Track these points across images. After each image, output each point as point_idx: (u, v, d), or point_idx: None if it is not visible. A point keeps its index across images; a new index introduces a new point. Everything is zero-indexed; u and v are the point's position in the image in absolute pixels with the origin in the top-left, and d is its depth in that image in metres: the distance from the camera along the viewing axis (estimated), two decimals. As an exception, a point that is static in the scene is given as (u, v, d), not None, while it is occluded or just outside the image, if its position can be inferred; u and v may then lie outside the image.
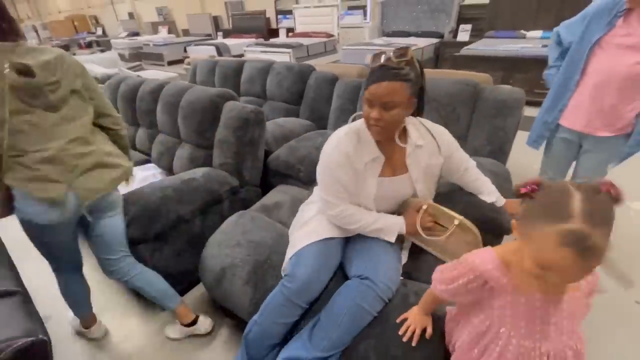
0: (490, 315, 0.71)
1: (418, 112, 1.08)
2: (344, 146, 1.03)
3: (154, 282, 1.32)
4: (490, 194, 1.22)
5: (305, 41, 6.44)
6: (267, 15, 8.76)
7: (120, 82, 2.28)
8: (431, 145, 1.10)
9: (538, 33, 5.03)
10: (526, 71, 4.18)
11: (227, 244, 1.27)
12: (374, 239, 1.12)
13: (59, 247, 1.16)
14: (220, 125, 1.71)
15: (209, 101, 1.71)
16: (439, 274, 0.81)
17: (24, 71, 0.97)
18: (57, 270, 1.25)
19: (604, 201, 0.52)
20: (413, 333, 0.94)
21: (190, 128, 1.78)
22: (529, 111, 1.96)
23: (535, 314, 0.66)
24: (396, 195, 1.15)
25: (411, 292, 1.05)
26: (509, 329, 0.69)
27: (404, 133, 1.07)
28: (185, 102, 1.79)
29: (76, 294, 1.33)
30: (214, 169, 1.69)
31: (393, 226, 1.11)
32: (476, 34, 5.70)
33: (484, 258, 0.69)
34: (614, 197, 0.53)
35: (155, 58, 8.69)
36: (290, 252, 1.15)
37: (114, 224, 1.22)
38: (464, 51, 4.47)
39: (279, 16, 8.70)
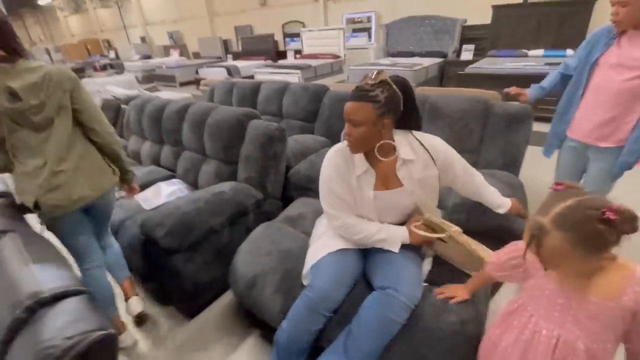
0: (522, 296, 0.81)
1: (414, 127, 1.14)
2: (334, 160, 1.13)
3: (117, 257, 1.57)
4: (500, 206, 1.24)
5: (313, 62, 6.68)
6: (275, 38, 9.10)
7: (146, 103, 2.42)
8: (424, 158, 1.12)
9: (540, 52, 5.19)
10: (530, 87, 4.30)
11: (257, 253, 1.33)
12: (393, 252, 1.15)
13: (66, 237, 1.32)
14: (245, 142, 1.81)
15: (235, 120, 1.82)
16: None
17: (12, 94, 1.08)
18: (80, 265, 1.37)
19: (585, 216, 0.62)
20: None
21: (217, 145, 1.88)
22: (536, 126, 2.08)
23: (556, 301, 0.74)
24: (397, 208, 1.17)
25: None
26: (532, 309, 0.79)
27: (392, 148, 1.10)
28: (212, 121, 1.90)
29: (100, 290, 1.40)
30: (239, 182, 1.78)
31: (395, 237, 1.14)
32: (479, 53, 5.89)
33: None
34: (604, 219, 0.60)
35: (167, 80, 9.02)
36: (308, 264, 1.21)
37: (101, 210, 1.42)
38: (469, 70, 4.62)
39: (287, 39, 9.05)
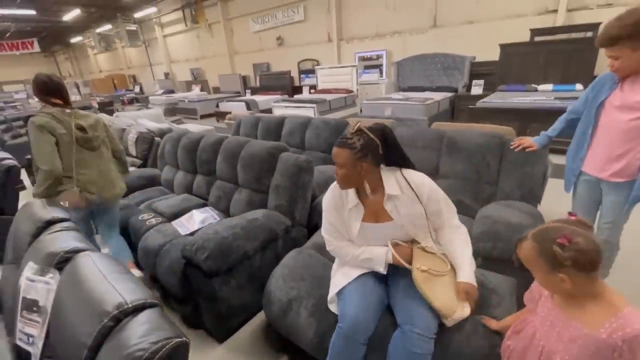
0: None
1: (401, 164, 1.24)
2: (332, 194, 1.29)
3: (122, 245, 2.04)
4: (462, 275, 1.19)
5: (327, 97, 7.02)
6: (291, 75, 9.63)
7: (182, 136, 2.63)
8: (410, 194, 1.20)
9: (549, 86, 5.36)
10: (542, 122, 4.39)
11: (291, 278, 1.42)
12: (409, 285, 1.18)
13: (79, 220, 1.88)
14: (276, 173, 1.95)
15: (266, 153, 1.98)
16: None
17: (81, 128, 1.80)
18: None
19: (549, 236, 0.78)
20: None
21: (249, 175, 2.03)
22: (554, 159, 2.18)
23: (548, 317, 0.87)
24: (387, 239, 1.25)
25: (467, 321, 1.15)
26: (535, 321, 0.92)
27: (380, 186, 1.22)
28: (245, 153, 2.07)
29: None
30: (270, 210, 1.90)
31: (380, 256, 1.24)
32: (488, 88, 6.11)
33: None
34: (558, 242, 0.75)
35: (189, 112, 9.54)
36: (332, 290, 1.29)
37: (114, 211, 2.06)
38: (480, 104, 4.79)
39: (302, 75, 9.57)
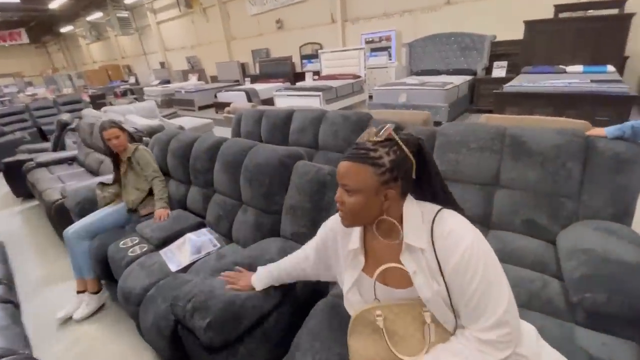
0: None
1: (437, 200, 0.78)
2: (333, 222, 0.94)
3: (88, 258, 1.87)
4: None
5: (333, 83, 6.48)
6: (293, 60, 9.04)
7: (171, 139, 2.17)
8: (431, 257, 0.73)
9: (579, 67, 4.87)
10: (579, 108, 3.88)
11: (325, 356, 0.99)
12: None
13: None
14: (291, 189, 1.50)
15: (278, 162, 1.53)
16: None
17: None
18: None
19: None
20: None
21: (256, 191, 1.58)
22: None
23: None
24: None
25: None
26: None
27: (398, 226, 0.76)
28: (250, 162, 1.62)
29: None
30: (284, 239, 1.47)
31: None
32: (511, 70, 5.58)
33: None
34: None
35: (186, 104, 9.02)
36: None
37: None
38: (508, 88, 4.28)
39: (304, 60, 8.99)
